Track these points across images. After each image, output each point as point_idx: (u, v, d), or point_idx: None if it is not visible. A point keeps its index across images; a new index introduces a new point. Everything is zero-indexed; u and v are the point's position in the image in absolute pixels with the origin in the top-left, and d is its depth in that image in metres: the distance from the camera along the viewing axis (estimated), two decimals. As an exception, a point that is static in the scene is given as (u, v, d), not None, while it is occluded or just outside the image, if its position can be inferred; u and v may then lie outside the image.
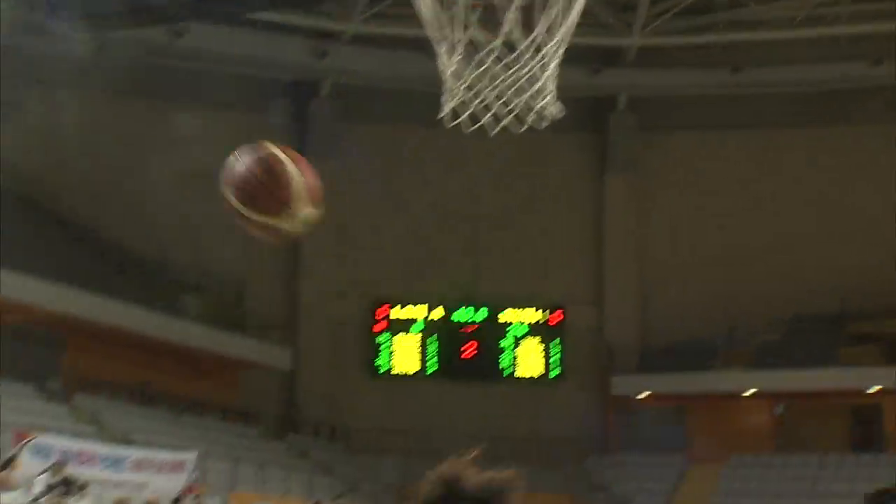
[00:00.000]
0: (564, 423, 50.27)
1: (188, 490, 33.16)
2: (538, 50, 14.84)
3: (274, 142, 5.51)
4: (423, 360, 52.34)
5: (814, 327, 49.79)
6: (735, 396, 50.41)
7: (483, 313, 52.34)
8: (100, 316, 40.02)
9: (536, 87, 14.87)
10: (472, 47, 15.15)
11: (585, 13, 16.79)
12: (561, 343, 52.27)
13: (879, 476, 44.19)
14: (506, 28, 14.92)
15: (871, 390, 48.27)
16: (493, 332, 52.40)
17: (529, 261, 52.33)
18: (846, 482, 45.35)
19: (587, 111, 51.94)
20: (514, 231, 52.44)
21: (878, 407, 49.34)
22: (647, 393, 50.89)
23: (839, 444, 49.39)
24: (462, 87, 14.79)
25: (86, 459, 31.78)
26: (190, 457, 34.56)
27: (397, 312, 52.27)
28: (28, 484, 27.39)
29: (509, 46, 15.17)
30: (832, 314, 49.41)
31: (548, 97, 15.12)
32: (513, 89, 14.91)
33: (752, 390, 49.72)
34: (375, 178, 51.24)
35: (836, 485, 45.35)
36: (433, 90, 16.59)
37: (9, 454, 28.62)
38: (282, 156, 5.44)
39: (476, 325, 52.34)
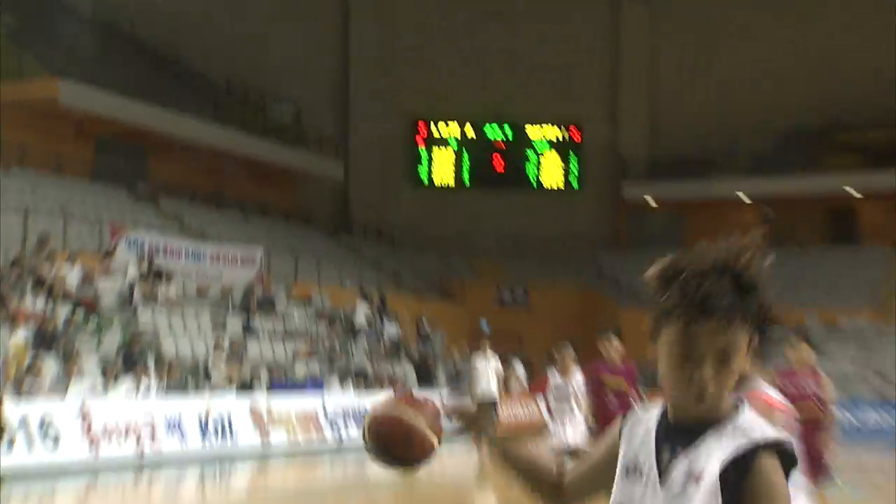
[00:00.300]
0: (581, 226, 51.43)
1: (257, 280, 35.33)
2: None
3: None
4: (458, 173, 53.38)
5: (804, 139, 50.61)
6: (729, 202, 51.46)
7: (509, 131, 53.12)
8: (177, 130, 41.11)
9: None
10: None
11: None
12: (578, 156, 53.19)
13: (856, 263, 47.03)
14: None
15: (851, 193, 50.11)
16: (519, 146, 53.30)
17: (550, 82, 52.56)
18: (827, 270, 47.23)
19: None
20: (539, 57, 52.49)
21: (855, 207, 51.33)
22: (652, 198, 52.15)
23: (820, 239, 51.10)
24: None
25: (171, 252, 33.34)
26: (258, 252, 36.48)
27: (435, 130, 53.15)
28: (123, 271, 29.97)
29: None
30: (821, 127, 50.31)
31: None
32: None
33: (744, 195, 51.27)
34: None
35: (817, 272, 46.86)
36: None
37: (108, 246, 31.24)
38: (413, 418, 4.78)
39: (505, 141, 53.22)
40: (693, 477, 2.68)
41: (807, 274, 46.86)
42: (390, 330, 37.97)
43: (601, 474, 3.01)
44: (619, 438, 2.94)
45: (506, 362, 33.78)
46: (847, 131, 50.83)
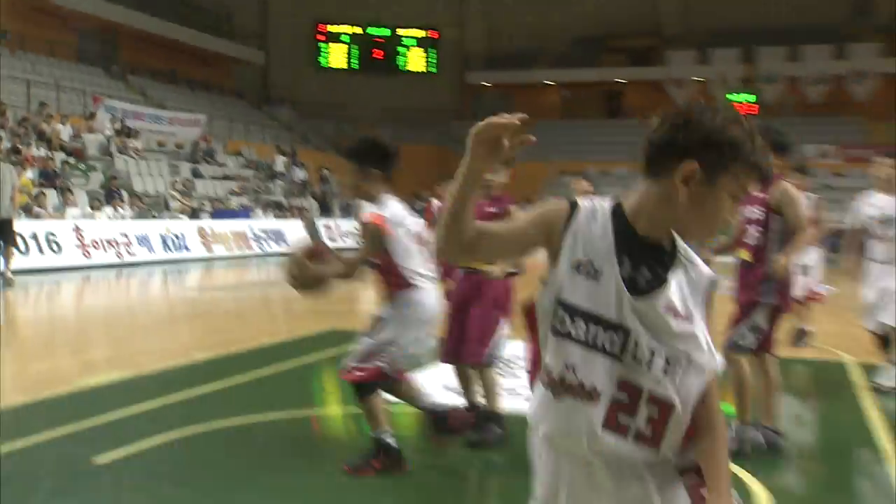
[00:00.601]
0: (437, 101, 51.14)
1: (202, 138, 35.18)
2: None
3: None
4: (349, 61, 53.25)
5: (590, 42, 51.13)
6: (541, 86, 52.35)
7: (386, 31, 53.06)
8: (142, 25, 40.76)
9: None
10: None
11: None
12: (436, 50, 53.24)
13: (622, 131, 46.83)
14: None
15: (620, 81, 51.70)
16: (393, 43, 53.23)
17: None
18: (603, 135, 47.79)
19: None
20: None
21: (623, 92, 52.53)
22: (489, 82, 52.56)
23: (599, 114, 52.70)
24: None
25: (137, 116, 32.94)
26: (202, 118, 35.81)
27: (332, 29, 52.79)
28: (103, 129, 29.85)
29: None
30: (600, 34, 50.83)
31: None
32: None
33: (550, 82, 52.32)
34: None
35: (597, 136, 47.90)
36: None
37: (91, 111, 31.10)
38: None
39: (383, 38, 53.31)
40: (671, 310, 2.42)
41: (591, 138, 48.23)
42: (299, 175, 38.18)
43: (514, 245, 2.56)
44: (564, 230, 2.47)
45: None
46: (618, 38, 51.54)
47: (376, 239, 5.80)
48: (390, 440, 5.87)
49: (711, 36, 47.86)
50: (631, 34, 50.49)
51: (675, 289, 2.44)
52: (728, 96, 46.23)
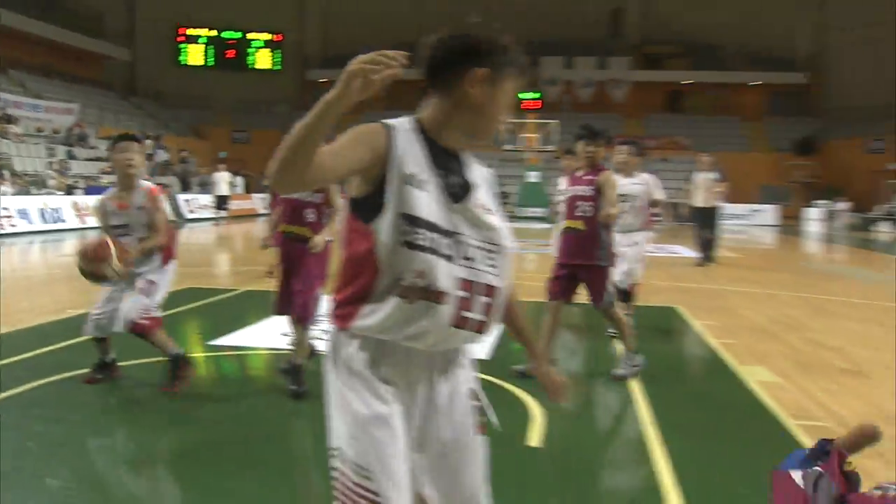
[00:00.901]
0: (282, 94, 51.72)
1: (76, 125, 35.12)
2: None
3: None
4: (206, 59, 53.52)
5: (407, 48, 51.86)
6: None
7: (238, 34, 53.53)
8: (21, 26, 39.59)
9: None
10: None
11: None
12: (280, 51, 54.03)
13: None
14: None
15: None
16: (244, 44, 53.81)
17: (266, 5, 52.63)
18: None
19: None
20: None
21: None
22: (325, 79, 51.78)
23: (417, 106, 53.40)
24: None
25: (18, 106, 33.03)
26: (76, 106, 36.17)
27: (191, 31, 52.96)
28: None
29: None
30: (418, 41, 52.32)
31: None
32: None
33: None
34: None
35: None
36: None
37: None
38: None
39: (235, 40, 53.78)
40: (484, 208, 2.49)
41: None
42: (163, 156, 38.03)
43: (341, 168, 2.32)
44: (389, 148, 2.40)
45: (236, 175, 36.94)
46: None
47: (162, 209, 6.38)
48: (181, 350, 6.35)
49: (506, 45, 51.71)
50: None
51: (481, 189, 2.54)
52: (519, 95, 50.18)
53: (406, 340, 2.43)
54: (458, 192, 2.48)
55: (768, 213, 41.78)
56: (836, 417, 6.07)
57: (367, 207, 2.43)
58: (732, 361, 7.84)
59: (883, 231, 34.79)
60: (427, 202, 2.40)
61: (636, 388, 6.71)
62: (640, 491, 4.47)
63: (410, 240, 2.37)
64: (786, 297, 12.85)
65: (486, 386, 6.22)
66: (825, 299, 12.72)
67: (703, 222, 17.19)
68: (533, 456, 5.02)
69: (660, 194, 9.43)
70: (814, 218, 38.47)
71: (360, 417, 2.40)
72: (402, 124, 2.50)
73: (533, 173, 39.02)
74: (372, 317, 2.43)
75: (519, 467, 4.79)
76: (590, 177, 6.97)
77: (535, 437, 5.33)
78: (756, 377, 7.22)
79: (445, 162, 2.51)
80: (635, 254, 9.01)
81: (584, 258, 6.96)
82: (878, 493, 3.36)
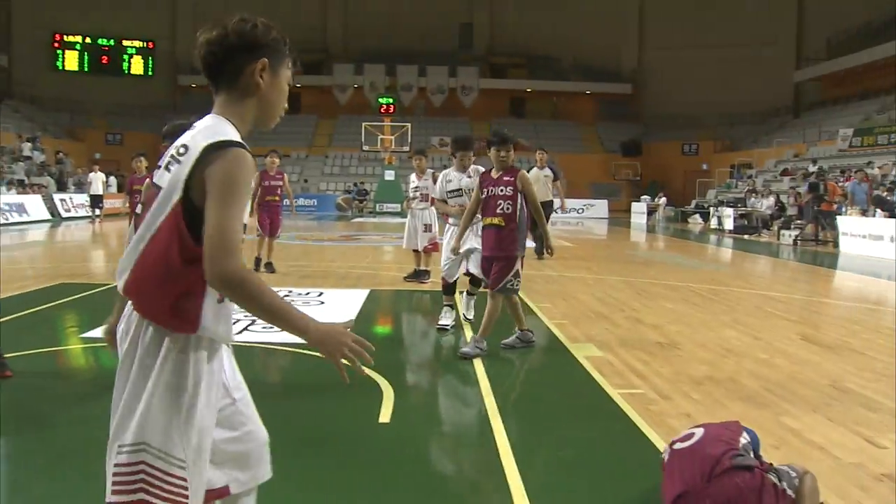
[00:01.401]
0: (155, 98, 51.38)
1: None
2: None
3: None
4: (81, 64, 52.27)
5: None
6: None
7: (112, 42, 52.58)
8: None
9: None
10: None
11: None
12: (153, 58, 53.19)
13: (302, 123, 49.64)
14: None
15: (297, 85, 52.44)
16: (119, 51, 52.91)
17: (138, 11, 51.76)
18: (285, 131, 50.01)
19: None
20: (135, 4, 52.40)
21: (300, 94, 54.73)
22: (196, 84, 51.11)
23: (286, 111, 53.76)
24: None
25: None
26: None
27: (67, 38, 51.78)
28: None
29: None
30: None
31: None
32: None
33: None
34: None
35: (279, 132, 49.26)
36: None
37: None
38: None
39: (109, 47, 52.80)
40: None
41: (273, 130, 49.53)
42: (40, 157, 37.27)
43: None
44: None
45: (110, 176, 36.11)
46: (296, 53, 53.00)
47: None
48: None
49: (365, 54, 51.97)
50: (306, 50, 53.05)
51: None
52: (379, 99, 50.34)
53: (228, 334, 2.49)
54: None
55: (600, 207, 42.99)
56: (651, 385, 6.31)
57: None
58: (565, 340, 8.01)
59: (695, 222, 36.29)
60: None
61: (479, 366, 6.80)
62: (481, 460, 4.51)
63: None
64: (613, 281, 13.26)
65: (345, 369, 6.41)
66: (646, 282, 13.20)
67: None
68: (383, 432, 5.02)
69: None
70: (638, 211, 39.76)
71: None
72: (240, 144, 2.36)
73: (389, 172, 39.11)
74: (205, 316, 2.36)
75: (370, 443, 4.82)
76: (508, 178, 7.17)
77: (386, 413, 5.33)
78: (585, 353, 7.40)
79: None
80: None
81: (502, 250, 7.16)
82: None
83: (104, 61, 52.65)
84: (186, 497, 2.29)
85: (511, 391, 6.25)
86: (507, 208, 7.10)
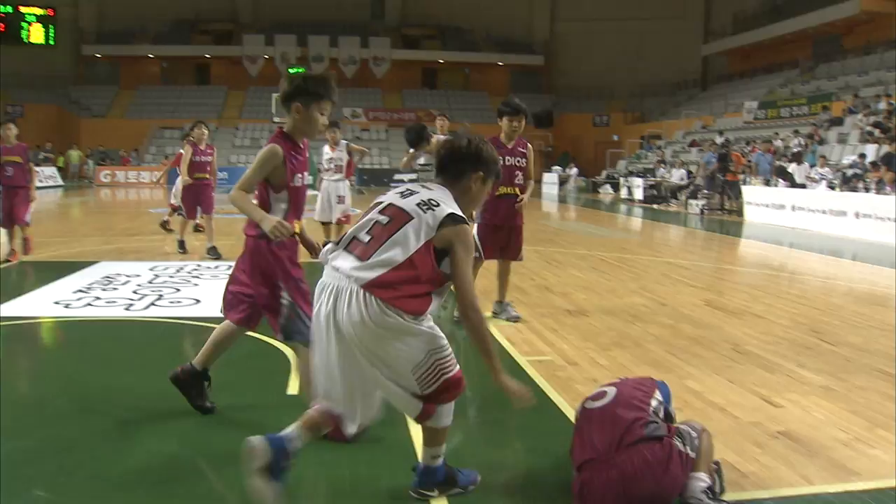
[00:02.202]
0: (57, 69, 49.03)
1: None
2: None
3: None
4: None
5: (182, 25, 51.33)
6: (142, 57, 51.54)
7: (10, 9, 49.31)
8: None
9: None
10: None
11: None
12: (54, 26, 49.70)
13: (210, 95, 48.64)
14: None
15: (209, 57, 52.34)
16: (17, 19, 49.98)
17: None
18: (195, 102, 49.10)
19: None
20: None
21: (210, 64, 53.05)
22: (100, 54, 50.43)
23: (190, 82, 52.86)
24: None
25: None
26: None
27: None
28: None
29: None
30: (189, 19, 51.48)
31: None
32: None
33: (151, 55, 50.90)
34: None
35: (189, 102, 48.96)
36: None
37: None
38: None
39: (5, 14, 49.46)
40: None
41: (184, 101, 48.33)
42: None
43: None
44: None
45: None
46: (205, 22, 52.24)
47: None
48: None
49: (276, 24, 51.03)
50: (215, 20, 52.35)
51: None
52: (290, 70, 49.50)
53: None
54: None
55: (512, 177, 42.96)
56: (559, 352, 6.40)
57: None
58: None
59: (606, 193, 36.84)
60: None
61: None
62: (386, 425, 4.48)
63: None
64: (524, 251, 13.31)
65: (252, 341, 6.37)
66: (556, 252, 13.36)
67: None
68: (292, 403, 4.98)
69: None
70: (549, 182, 40.16)
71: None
72: None
73: (301, 144, 38.60)
74: None
75: (279, 414, 4.70)
76: (522, 148, 7.41)
77: (294, 385, 5.30)
78: (494, 323, 7.44)
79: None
80: None
81: (519, 220, 7.58)
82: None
83: (1, 29, 50.31)
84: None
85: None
86: (522, 179, 7.44)
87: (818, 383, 5.64)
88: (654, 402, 3.61)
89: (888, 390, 5.50)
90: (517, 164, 7.35)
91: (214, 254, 11.67)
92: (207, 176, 11.99)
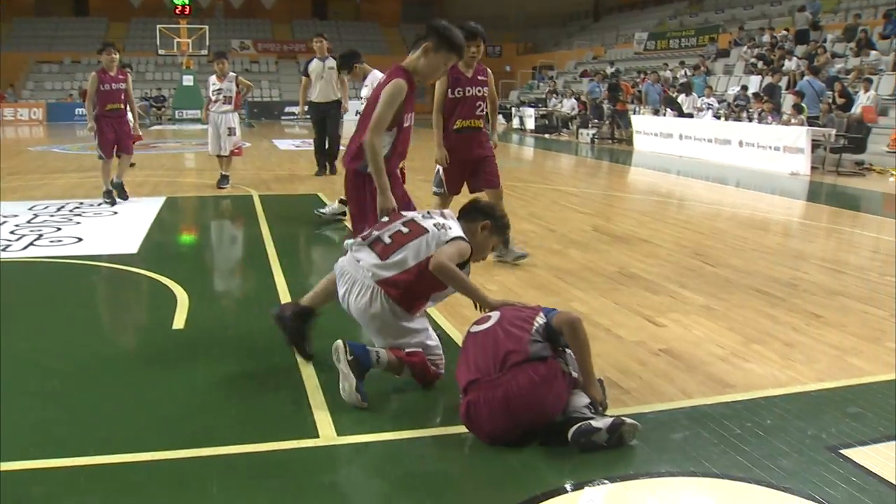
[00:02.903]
0: None
1: None
2: None
3: None
4: None
5: None
6: None
7: None
8: None
9: None
10: None
11: None
12: None
13: (89, 29, 46.81)
14: None
15: None
16: None
17: None
18: (73, 34, 46.58)
19: None
20: None
21: None
22: None
23: (68, 12, 49.35)
24: None
25: None
26: None
27: None
28: None
29: None
30: None
31: None
32: None
33: None
34: None
35: (67, 35, 46.31)
36: None
37: None
38: None
39: None
40: None
41: (61, 33, 46.57)
42: None
43: None
44: None
45: None
46: None
47: None
48: None
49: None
50: None
51: None
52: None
53: None
54: None
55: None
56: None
57: None
58: (365, 239, 8.02)
59: (498, 123, 36.92)
60: None
61: (276, 267, 6.77)
62: (276, 361, 4.46)
63: None
64: (411, 181, 13.28)
65: (136, 277, 6.28)
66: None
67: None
68: (177, 337, 4.94)
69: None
70: (443, 113, 39.99)
71: None
72: None
73: (187, 77, 37.39)
74: None
75: (164, 349, 4.73)
76: (482, 77, 6.78)
77: (180, 320, 5.25)
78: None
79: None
80: None
81: (489, 149, 7.03)
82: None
83: None
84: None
85: (306, 287, 6.17)
86: (484, 109, 6.88)
87: (699, 303, 5.84)
88: (536, 324, 3.65)
89: (764, 308, 5.73)
90: (478, 93, 6.74)
91: (112, 197, 10.43)
92: (121, 106, 10.40)
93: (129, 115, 10.74)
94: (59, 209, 9.95)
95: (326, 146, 13.97)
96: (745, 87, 21.72)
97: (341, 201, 8.85)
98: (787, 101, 19.20)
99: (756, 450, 3.38)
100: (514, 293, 5.92)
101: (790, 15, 28.50)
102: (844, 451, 3.38)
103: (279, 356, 4.46)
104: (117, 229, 8.68)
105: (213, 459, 3.27)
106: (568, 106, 29.24)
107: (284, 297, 5.79)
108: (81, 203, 10.45)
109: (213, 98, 11.81)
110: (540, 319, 3.66)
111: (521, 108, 33.24)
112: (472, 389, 3.50)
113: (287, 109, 38.37)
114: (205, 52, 37.66)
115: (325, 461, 3.27)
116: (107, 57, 10.23)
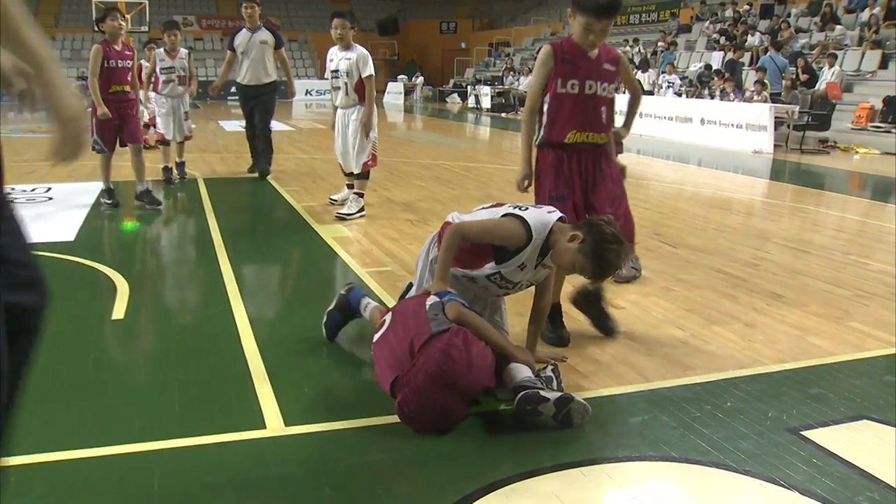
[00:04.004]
0: None
1: None
2: None
3: None
4: None
5: None
6: None
7: None
8: None
9: None
10: None
11: None
12: None
13: None
14: None
15: None
16: None
17: None
18: None
19: None
20: None
21: None
22: None
23: None
24: None
25: None
26: None
27: None
28: None
29: None
30: None
31: None
32: None
33: None
34: None
35: None
36: None
37: None
38: None
39: None
40: None
41: None
42: None
43: None
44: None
45: None
46: None
47: None
48: None
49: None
50: None
51: None
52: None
53: None
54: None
55: (356, 88, 42.53)
56: (400, 262, 6.47)
57: None
58: (313, 222, 8.06)
59: (453, 102, 37.02)
60: None
61: (222, 253, 6.73)
62: (222, 348, 4.44)
63: None
64: (368, 163, 13.27)
65: (74, 266, 6.19)
66: (398, 162, 13.41)
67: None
68: (116, 328, 4.88)
69: (368, 70, 8.68)
70: (394, 91, 39.98)
71: None
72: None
73: (128, 53, 36.79)
74: None
75: (102, 340, 4.69)
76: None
77: (120, 309, 5.18)
78: (334, 234, 7.46)
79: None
80: (355, 130, 8.31)
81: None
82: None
83: None
84: None
85: (254, 275, 6.22)
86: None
87: (659, 284, 5.91)
88: (428, 303, 3.71)
89: (725, 289, 5.81)
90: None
91: (113, 197, 9.11)
92: (127, 88, 8.63)
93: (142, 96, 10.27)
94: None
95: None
96: (708, 67, 21.88)
97: (349, 185, 8.74)
98: (750, 77, 19.43)
99: (716, 432, 3.43)
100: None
101: (753, -12, 28.81)
102: (805, 433, 3.44)
103: (224, 345, 4.44)
104: (53, 216, 8.48)
105: (155, 454, 3.22)
106: (525, 84, 29.32)
107: (230, 283, 5.75)
108: (13, 189, 10.16)
109: (165, 78, 10.48)
110: (430, 301, 3.74)
111: (476, 87, 33.27)
112: (398, 390, 3.51)
113: (233, 89, 37.95)
114: (144, 28, 37.09)
115: (273, 453, 3.25)
116: (111, 24, 8.35)
